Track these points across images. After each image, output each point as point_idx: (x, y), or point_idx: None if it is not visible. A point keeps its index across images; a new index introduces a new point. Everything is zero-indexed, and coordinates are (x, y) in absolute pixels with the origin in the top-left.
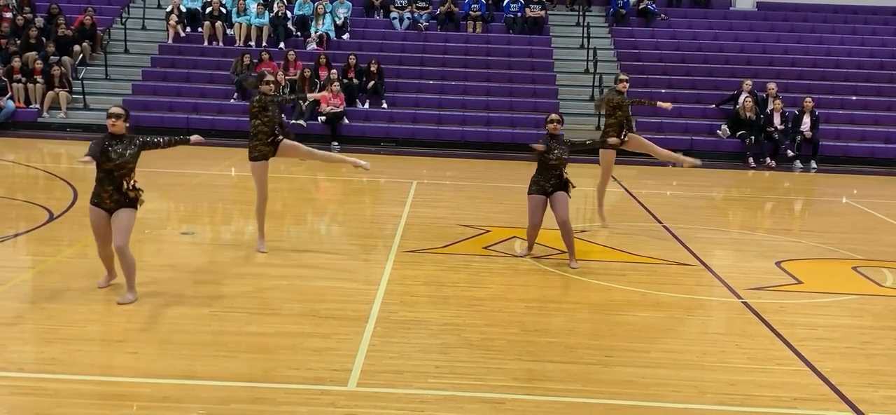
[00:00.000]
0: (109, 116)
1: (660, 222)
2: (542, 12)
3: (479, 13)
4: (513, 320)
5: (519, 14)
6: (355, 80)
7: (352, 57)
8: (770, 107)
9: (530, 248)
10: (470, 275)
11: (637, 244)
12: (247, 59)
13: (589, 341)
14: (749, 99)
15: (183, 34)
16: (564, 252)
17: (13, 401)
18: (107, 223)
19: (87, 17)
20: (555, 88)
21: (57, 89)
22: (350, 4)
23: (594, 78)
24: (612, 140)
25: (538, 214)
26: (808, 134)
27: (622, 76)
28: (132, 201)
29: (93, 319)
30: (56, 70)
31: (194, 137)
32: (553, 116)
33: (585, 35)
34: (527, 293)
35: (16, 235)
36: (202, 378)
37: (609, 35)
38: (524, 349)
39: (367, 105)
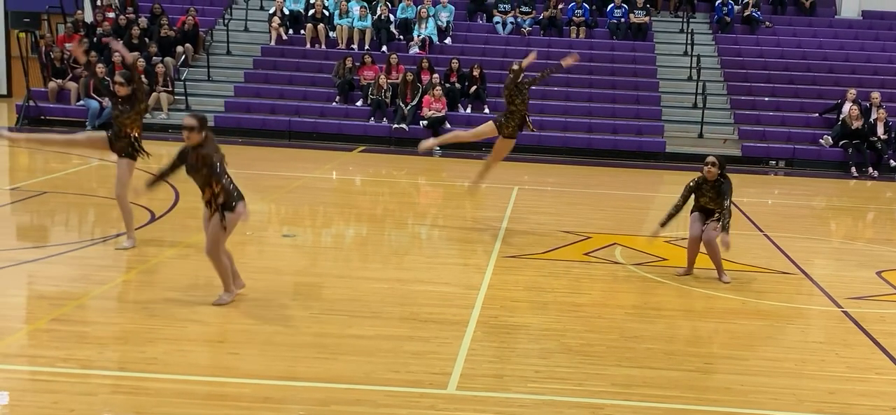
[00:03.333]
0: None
1: (761, 231)
2: (646, 18)
3: (582, 19)
4: (613, 326)
5: (623, 20)
6: (458, 85)
7: (454, 61)
8: (874, 116)
9: (690, 266)
10: (570, 281)
11: (737, 252)
12: (349, 63)
13: (688, 347)
14: (855, 107)
15: (285, 36)
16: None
17: (115, 400)
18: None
19: (190, 18)
20: (658, 95)
21: (159, 90)
22: (453, 8)
23: (697, 85)
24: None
25: (696, 226)
26: None
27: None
28: (222, 206)
29: (194, 319)
30: (160, 68)
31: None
32: (711, 159)
33: (689, 42)
34: (627, 300)
35: (118, 235)
36: (303, 379)
37: (713, 42)
38: (624, 355)
39: (469, 110)
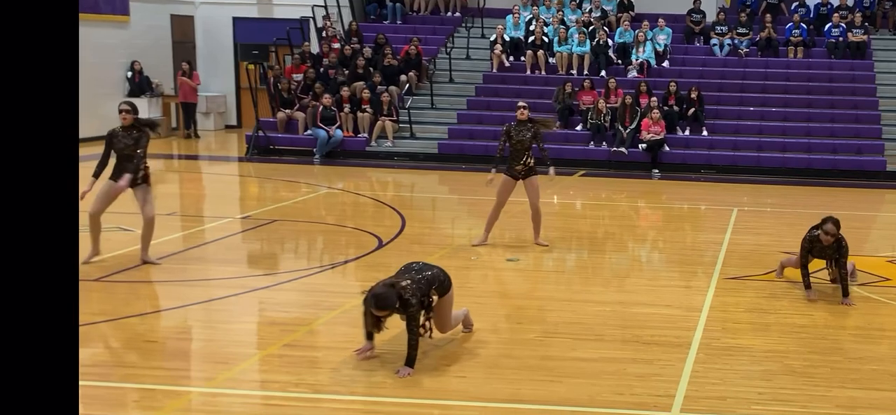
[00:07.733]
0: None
1: None
2: (865, 37)
3: (800, 38)
4: (836, 347)
5: (841, 39)
6: (676, 108)
7: (672, 84)
8: None
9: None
10: (792, 302)
11: None
12: (568, 88)
13: None
14: None
15: (506, 63)
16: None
17: None
18: None
19: (413, 47)
20: (877, 114)
21: (384, 118)
22: (670, 31)
23: None
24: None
25: None
26: None
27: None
28: None
29: (422, 344)
30: (385, 97)
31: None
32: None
33: None
34: (850, 320)
35: (346, 262)
36: (528, 402)
37: None
38: (848, 377)
39: (687, 132)
